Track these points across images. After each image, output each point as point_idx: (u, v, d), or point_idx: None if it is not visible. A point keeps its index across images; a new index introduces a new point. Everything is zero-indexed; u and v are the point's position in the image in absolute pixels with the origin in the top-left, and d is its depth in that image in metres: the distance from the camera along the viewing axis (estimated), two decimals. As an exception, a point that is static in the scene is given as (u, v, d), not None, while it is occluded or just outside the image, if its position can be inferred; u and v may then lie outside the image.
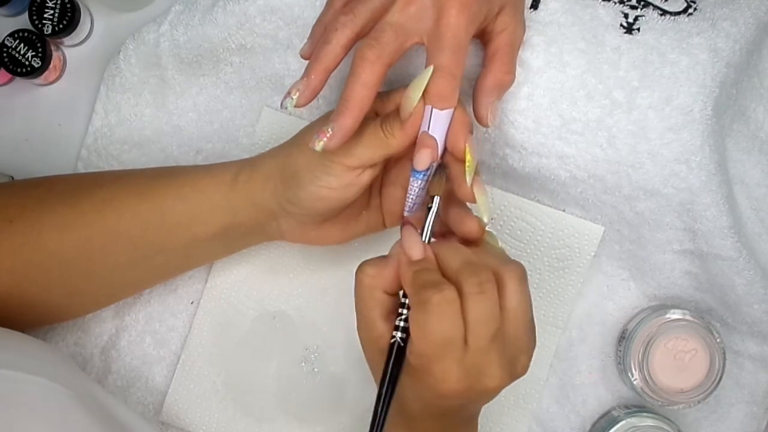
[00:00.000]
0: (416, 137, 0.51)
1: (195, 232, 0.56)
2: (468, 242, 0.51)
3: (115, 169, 0.65)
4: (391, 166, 0.57)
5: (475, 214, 0.51)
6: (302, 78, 0.50)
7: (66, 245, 0.56)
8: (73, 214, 0.56)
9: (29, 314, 0.58)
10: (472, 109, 0.54)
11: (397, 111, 0.52)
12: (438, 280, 0.47)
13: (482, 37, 0.55)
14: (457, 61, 0.49)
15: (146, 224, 0.56)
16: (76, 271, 0.57)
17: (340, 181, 0.52)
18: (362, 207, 0.58)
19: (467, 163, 0.51)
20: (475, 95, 0.54)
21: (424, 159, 0.51)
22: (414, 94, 0.50)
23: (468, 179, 0.50)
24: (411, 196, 0.52)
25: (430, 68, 0.50)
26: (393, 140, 0.52)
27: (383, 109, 0.55)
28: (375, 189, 0.58)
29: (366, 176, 0.53)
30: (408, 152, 0.52)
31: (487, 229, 0.51)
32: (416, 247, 0.50)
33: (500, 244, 0.53)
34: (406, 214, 0.53)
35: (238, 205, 0.55)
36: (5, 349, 0.51)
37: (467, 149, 0.51)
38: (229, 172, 0.56)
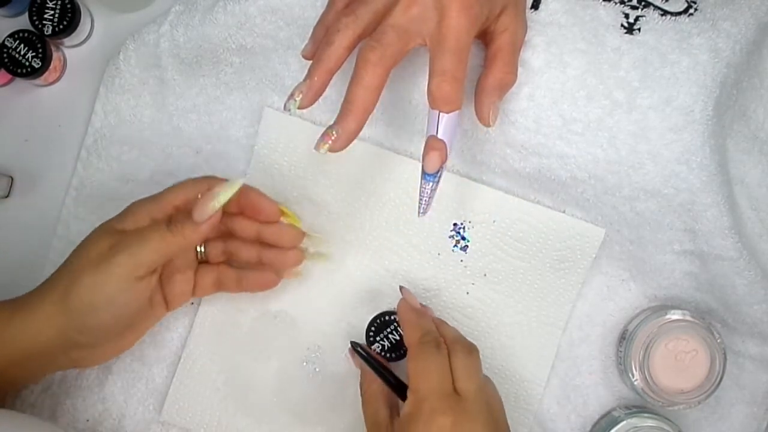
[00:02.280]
0: (207, 234, 0.53)
1: None
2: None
3: None
4: None
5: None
6: (305, 80, 0.50)
7: None
8: None
9: None
10: (473, 109, 0.54)
11: (185, 212, 0.53)
12: (439, 342, 0.54)
13: (484, 38, 0.55)
14: (460, 63, 0.50)
15: None
16: None
17: (132, 294, 0.53)
18: (149, 305, 0.57)
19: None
20: (476, 95, 0.54)
21: (434, 162, 0.51)
22: (218, 200, 0.52)
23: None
24: (423, 199, 0.53)
25: (239, 181, 0.52)
26: (182, 239, 0.53)
27: (157, 212, 0.55)
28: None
29: (154, 281, 0.54)
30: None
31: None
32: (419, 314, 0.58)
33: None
34: (419, 216, 0.54)
35: (13, 351, 0.53)
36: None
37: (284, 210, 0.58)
38: (1, 314, 0.53)
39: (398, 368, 0.60)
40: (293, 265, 0.60)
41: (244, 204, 0.58)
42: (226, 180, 0.54)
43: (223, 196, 0.52)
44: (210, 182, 0.56)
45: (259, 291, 0.61)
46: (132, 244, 0.52)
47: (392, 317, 0.61)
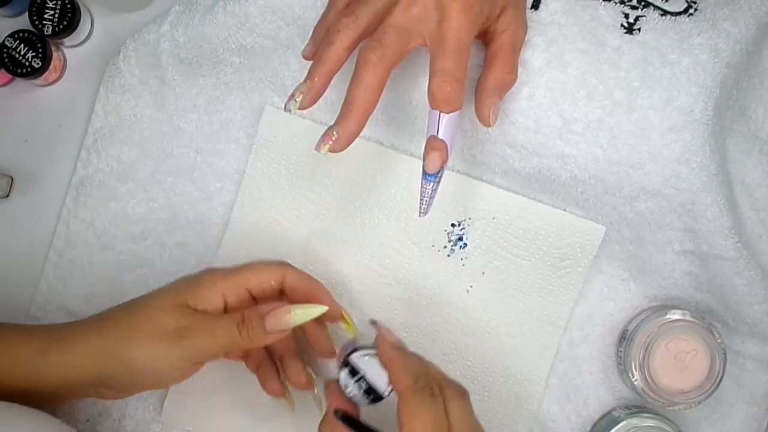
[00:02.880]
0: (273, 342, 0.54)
1: (10, 396, 0.53)
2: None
3: None
4: None
5: None
6: (305, 80, 0.50)
7: None
8: None
9: None
10: (474, 109, 0.54)
11: (258, 314, 0.53)
12: (434, 388, 0.51)
13: (484, 38, 0.55)
14: (460, 63, 0.49)
15: None
16: None
17: (183, 374, 0.53)
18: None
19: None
20: (477, 95, 0.54)
21: (434, 162, 0.51)
22: (295, 319, 0.52)
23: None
24: (424, 199, 0.53)
25: (322, 307, 0.53)
26: (249, 343, 0.53)
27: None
28: None
29: (204, 364, 0.54)
30: None
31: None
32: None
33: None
34: (420, 216, 0.54)
35: (41, 383, 0.53)
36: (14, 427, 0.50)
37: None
38: (33, 347, 0.53)
39: (376, 410, 0.55)
40: (299, 385, 0.59)
41: (309, 335, 0.59)
42: (302, 276, 0.55)
43: (300, 318, 0.53)
44: (284, 272, 0.56)
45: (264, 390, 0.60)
46: (201, 334, 0.52)
47: (365, 355, 0.54)
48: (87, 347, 0.53)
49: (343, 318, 0.58)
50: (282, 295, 0.57)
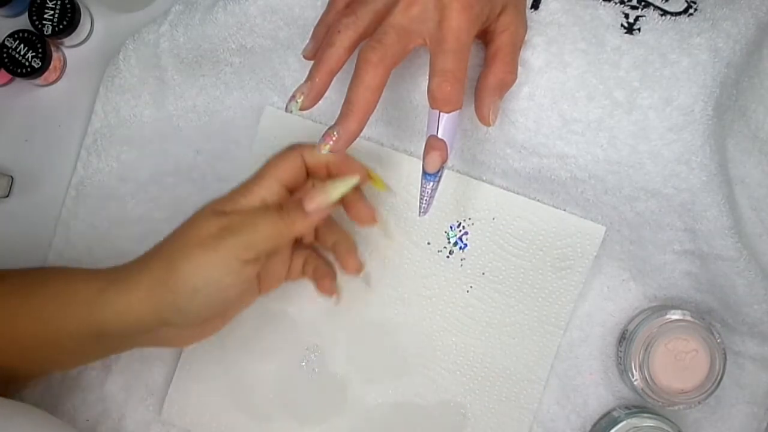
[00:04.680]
0: (315, 224, 0.53)
1: (61, 340, 0.53)
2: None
3: None
4: None
5: None
6: (306, 81, 0.51)
7: None
8: None
9: None
10: (474, 109, 0.54)
11: (295, 199, 0.52)
12: None
13: (484, 38, 0.55)
14: (461, 63, 0.50)
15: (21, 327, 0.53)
16: None
17: (238, 278, 0.51)
18: (247, 290, 0.56)
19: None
20: (477, 95, 0.54)
21: (434, 162, 0.51)
22: (332, 195, 0.52)
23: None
24: (424, 199, 0.53)
25: (355, 178, 0.53)
26: (293, 228, 0.52)
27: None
28: None
29: (259, 266, 0.53)
30: None
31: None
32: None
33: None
34: (420, 216, 0.54)
35: (102, 323, 0.52)
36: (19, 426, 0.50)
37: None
38: (93, 286, 0.52)
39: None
40: (350, 272, 0.59)
41: (348, 204, 0.57)
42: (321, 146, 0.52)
43: (336, 193, 0.52)
44: (301, 150, 0.55)
45: (319, 292, 0.60)
46: (244, 228, 0.51)
47: None
48: (142, 283, 0.51)
49: (371, 177, 0.57)
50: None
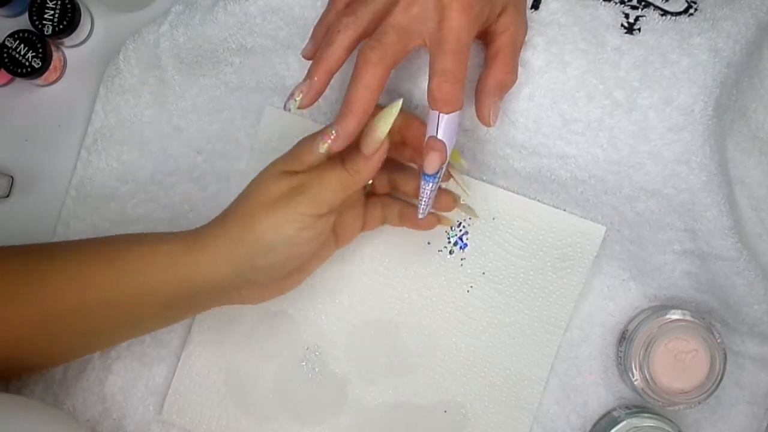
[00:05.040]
0: (379, 167, 0.53)
1: (142, 303, 0.54)
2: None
3: (63, 241, 0.62)
4: None
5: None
6: (305, 80, 0.51)
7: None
8: (30, 288, 0.54)
9: None
10: (474, 109, 0.54)
11: (354, 149, 0.52)
12: None
13: (484, 38, 0.55)
14: (460, 63, 0.49)
15: (98, 294, 0.54)
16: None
17: (313, 232, 0.52)
18: (323, 244, 0.57)
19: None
20: (477, 95, 0.54)
21: (434, 162, 0.51)
22: (381, 128, 0.51)
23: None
24: (423, 200, 0.53)
25: (399, 102, 0.52)
26: (358, 176, 0.52)
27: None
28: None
29: (332, 219, 0.54)
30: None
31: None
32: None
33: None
34: (419, 217, 0.54)
35: (186, 282, 0.53)
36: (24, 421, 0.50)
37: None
38: (177, 248, 0.54)
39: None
40: (444, 209, 0.60)
41: (406, 133, 0.57)
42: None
43: (384, 123, 0.52)
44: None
45: (417, 230, 0.60)
46: (313, 184, 0.52)
47: None
48: (219, 244, 0.52)
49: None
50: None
